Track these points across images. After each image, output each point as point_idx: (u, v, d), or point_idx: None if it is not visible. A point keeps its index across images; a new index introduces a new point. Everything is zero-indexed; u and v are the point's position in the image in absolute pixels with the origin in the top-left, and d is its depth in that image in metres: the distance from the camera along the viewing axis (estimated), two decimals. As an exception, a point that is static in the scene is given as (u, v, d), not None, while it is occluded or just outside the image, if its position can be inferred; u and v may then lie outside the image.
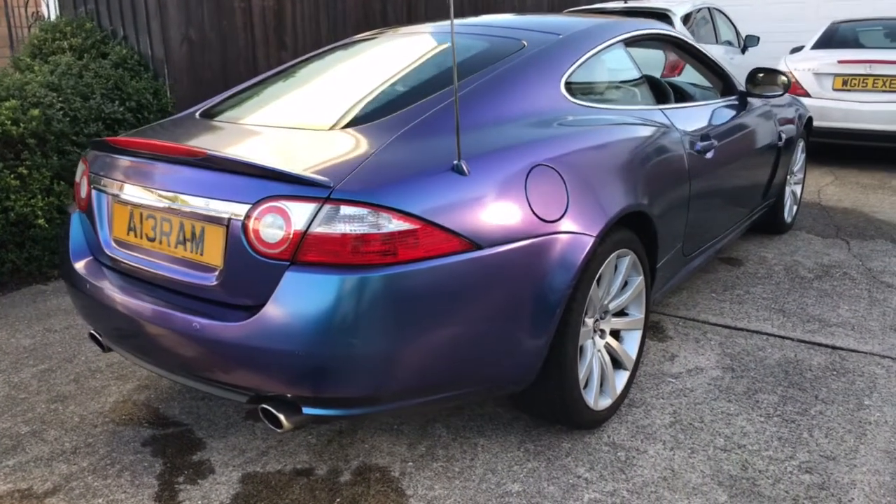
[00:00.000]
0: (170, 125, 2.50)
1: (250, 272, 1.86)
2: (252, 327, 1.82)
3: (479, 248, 1.90)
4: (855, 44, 7.15)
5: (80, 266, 2.29)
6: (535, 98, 2.37)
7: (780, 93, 3.57)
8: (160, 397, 2.71)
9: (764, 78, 3.68)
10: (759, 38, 8.71)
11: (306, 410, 1.92)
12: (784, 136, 4.06)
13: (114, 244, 2.22)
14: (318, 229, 1.78)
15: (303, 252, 1.79)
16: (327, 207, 1.78)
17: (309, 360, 1.79)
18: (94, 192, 2.27)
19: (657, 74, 3.67)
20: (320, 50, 3.12)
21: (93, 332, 2.38)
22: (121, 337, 2.18)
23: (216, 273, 1.93)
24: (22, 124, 3.89)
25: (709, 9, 8.25)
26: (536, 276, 2.03)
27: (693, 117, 3.07)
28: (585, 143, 2.31)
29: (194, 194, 1.95)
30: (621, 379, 2.53)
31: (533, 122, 2.28)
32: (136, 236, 2.14)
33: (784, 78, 3.64)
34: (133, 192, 2.12)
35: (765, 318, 3.35)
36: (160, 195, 2.04)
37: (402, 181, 1.85)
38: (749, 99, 3.73)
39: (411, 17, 6.53)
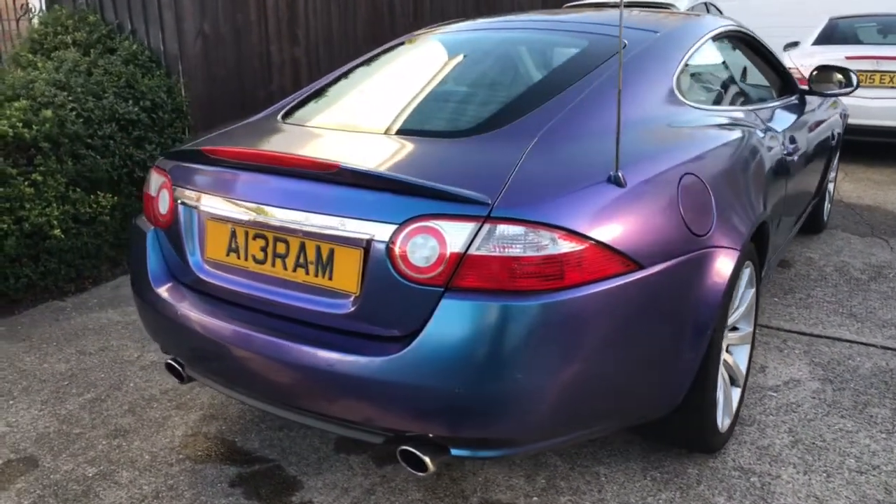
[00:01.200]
0: (259, 130, 2.25)
1: (395, 300, 1.65)
2: (402, 362, 1.61)
3: (641, 267, 1.73)
4: (855, 40, 7.18)
5: (163, 290, 2.05)
6: (653, 100, 2.21)
7: (849, 90, 3.49)
8: (233, 428, 2.48)
9: (820, 76, 3.60)
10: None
11: (455, 452, 1.72)
12: (836, 133, 3.99)
13: (207, 266, 1.98)
14: (477, 251, 1.58)
15: (460, 277, 1.60)
16: (487, 227, 1.58)
17: (469, 397, 1.60)
18: (180, 208, 2.02)
19: None
20: (387, 46, 2.89)
21: (171, 361, 2.14)
22: (216, 368, 1.95)
23: (350, 300, 1.72)
24: (34, 126, 3.57)
25: (705, 3, 8.22)
26: (691, 295, 1.87)
27: (779, 118, 2.95)
28: (716, 148, 2.15)
29: (322, 212, 1.73)
30: (735, 396, 2.39)
31: (662, 126, 2.12)
32: (239, 258, 1.91)
33: (840, 75, 3.56)
34: (236, 209, 1.88)
35: (838, 323, 3.26)
36: (274, 213, 1.81)
37: (561, 195, 1.66)
38: (806, 97, 3.64)
39: (417, 11, 6.31)
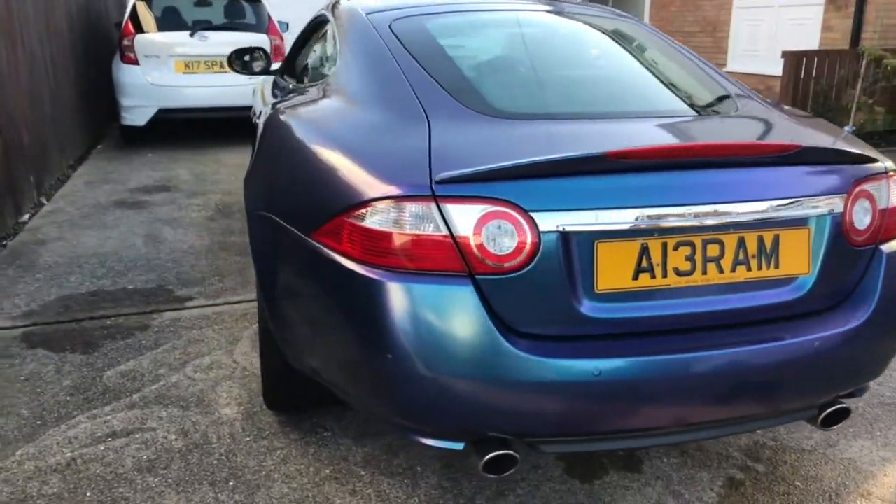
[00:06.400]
0: (513, 129, 1.74)
1: (843, 268, 1.73)
2: (871, 324, 1.72)
3: None
4: None
5: (524, 354, 1.52)
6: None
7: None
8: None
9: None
10: (288, 24, 9.17)
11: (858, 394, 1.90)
12: None
13: (596, 303, 1.57)
14: (889, 204, 1.79)
15: (885, 231, 1.78)
16: (891, 182, 1.80)
17: None
18: (551, 238, 1.51)
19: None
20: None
21: (504, 450, 1.60)
22: (617, 418, 1.61)
23: (801, 282, 1.68)
24: None
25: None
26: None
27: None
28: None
29: (767, 198, 1.63)
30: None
31: None
32: (653, 277, 1.58)
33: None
34: (651, 219, 1.56)
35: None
36: (704, 211, 1.59)
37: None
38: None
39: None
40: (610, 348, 1.55)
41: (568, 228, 1.52)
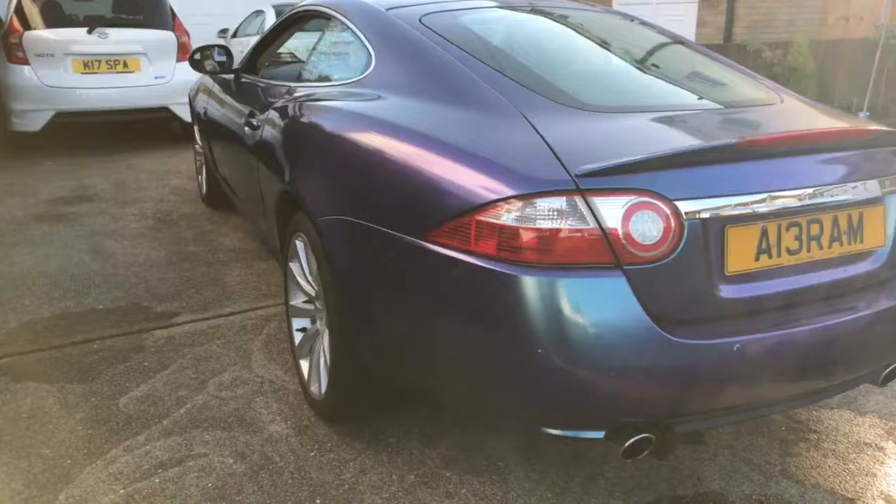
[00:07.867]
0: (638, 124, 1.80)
1: (905, 237, 1.91)
2: None
3: None
4: None
5: (672, 342, 1.58)
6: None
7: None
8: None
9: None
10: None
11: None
12: None
13: (727, 285, 1.65)
14: None
15: None
16: None
17: None
18: (693, 225, 1.57)
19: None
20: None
21: (644, 434, 1.65)
22: (748, 390, 1.71)
23: (879, 254, 1.86)
24: None
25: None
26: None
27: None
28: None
29: (854, 180, 1.78)
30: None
31: None
32: (770, 258, 1.69)
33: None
34: (770, 203, 1.66)
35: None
36: (808, 194, 1.71)
37: None
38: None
39: None
40: (743, 326, 1.64)
41: (704, 215, 1.59)
